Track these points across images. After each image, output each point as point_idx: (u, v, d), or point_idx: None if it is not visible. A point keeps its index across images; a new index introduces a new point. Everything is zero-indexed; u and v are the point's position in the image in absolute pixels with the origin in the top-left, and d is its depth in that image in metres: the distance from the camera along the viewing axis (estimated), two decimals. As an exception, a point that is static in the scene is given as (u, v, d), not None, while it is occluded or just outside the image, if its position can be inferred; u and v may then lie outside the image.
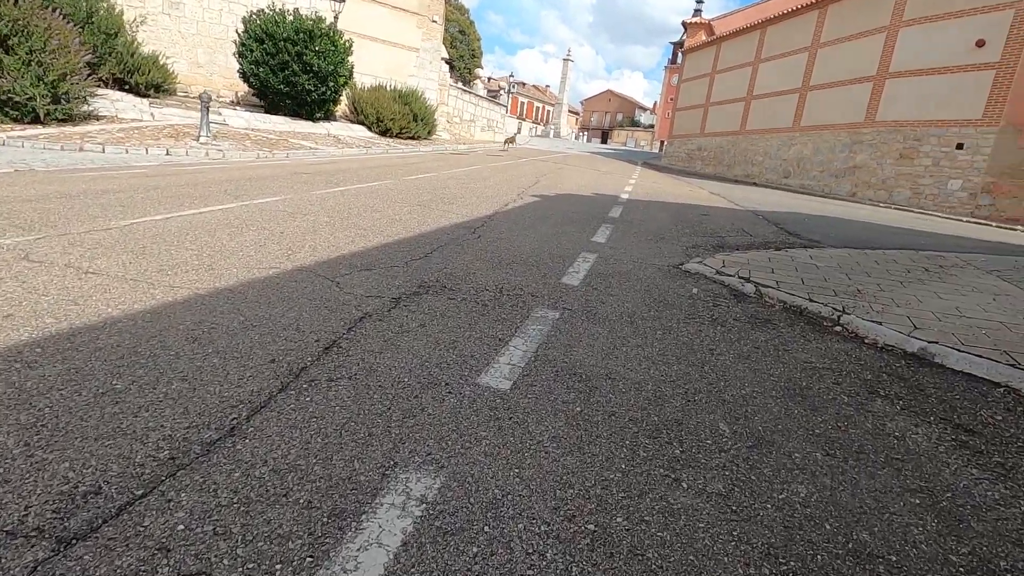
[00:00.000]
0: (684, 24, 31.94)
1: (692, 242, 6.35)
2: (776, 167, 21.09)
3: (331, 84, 16.34)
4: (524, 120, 79.82)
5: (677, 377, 2.65)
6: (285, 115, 16.32)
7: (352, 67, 17.24)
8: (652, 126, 71.85)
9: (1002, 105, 12.93)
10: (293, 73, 15.32)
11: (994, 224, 12.43)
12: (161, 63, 14.35)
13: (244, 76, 15.66)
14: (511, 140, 26.61)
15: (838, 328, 3.79)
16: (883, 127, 15.88)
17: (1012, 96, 12.72)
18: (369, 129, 18.92)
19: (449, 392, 2.25)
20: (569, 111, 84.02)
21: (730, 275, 4.74)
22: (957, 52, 13.91)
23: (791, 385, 2.72)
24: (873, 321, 3.78)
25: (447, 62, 26.97)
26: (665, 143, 36.09)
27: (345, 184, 7.97)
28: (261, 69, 15.16)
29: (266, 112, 16.25)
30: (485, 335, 2.89)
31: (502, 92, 33.68)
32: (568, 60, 70.72)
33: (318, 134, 16.08)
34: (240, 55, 15.29)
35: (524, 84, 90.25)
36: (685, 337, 3.22)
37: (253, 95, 16.59)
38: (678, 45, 49.75)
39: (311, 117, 16.83)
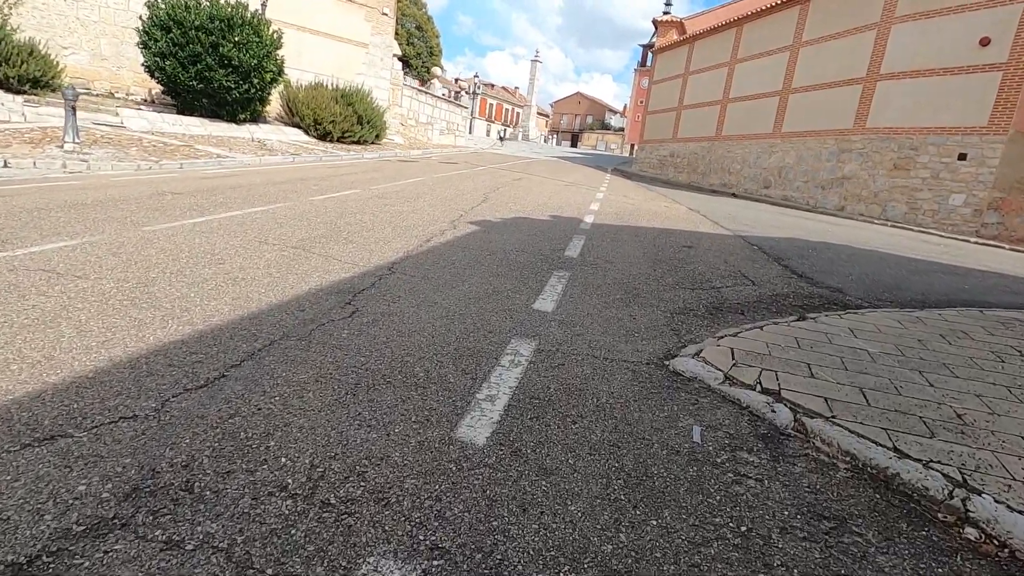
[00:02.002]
0: (655, 22, 30.49)
1: (678, 301, 4.54)
2: (755, 176, 19.62)
3: (256, 81, 14.17)
4: (493, 122, 78.00)
5: None
6: (202, 116, 14.10)
7: (283, 61, 15.10)
8: (622, 129, 70.82)
9: (1011, 111, 11.55)
10: (207, 67, 13.13)
11: (1007, 247, 11.01)
12: (42, 52, 12.01)
13: (149, 70, 13.41)
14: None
15: (970, 533, 2.01)
16: (875, 134, 14.44)
17: (1022, 101, 11.34)
18: (306, 133, 16.78)
19: None
20: (539, 113, 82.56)
21: (748, 384, 2.93)
22: (958, 52, 12.52)
23: None
24: (1031, 515, 2.01)
25: (401, 59, 24.91)
26: (636, 147, 34.67)
27: (218, 210, 5.96)
28: (168, 62, 12.94)
29: (179, 113, 14.01)
30: None
31: (463, 93, 31.68)
32: (536, 61, 69.19)
33: (240, 139, 13.93)
34: (143, 45, 13.04)
35: (493, 86, 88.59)
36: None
37: (164, 93, 14.34)
38: (647, 47, 48.61)
39: (234, 119, 14.63)
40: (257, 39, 13.96)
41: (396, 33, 24.60)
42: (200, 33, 12.91)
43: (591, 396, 2.68)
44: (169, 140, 11.71)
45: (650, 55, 33.95)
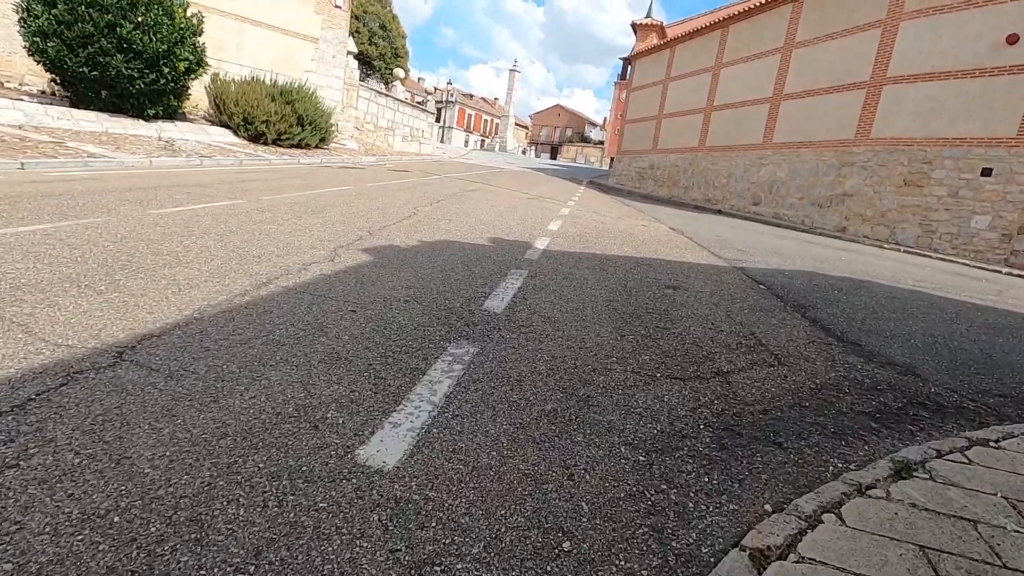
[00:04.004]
0: (634, 25, 28.91)
1: (660, 411, 2.52)
2: (743, 191, 17.88)
3: (167, 70, 12.00)
4: (471, 132, 76.27)
5: None
6: (102, 110, 11.88)
7: (203, 49, 12.97)
8: (602, 142, 69.58)
9: (1046, 119, 9.89)
10: (101, 51, 10.94)
11: (1048, 279, 9.27)
12: None
13: (30, 52, 11.18)
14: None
15: None
16: (881, 145, 12.74)
17: (1060, 108, 9.69)
18: (235, 133, 14.58)
19: None
20: (518, 125, 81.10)
21: None
22: (979, 51, 10.89)
23: None
24: None
25: (361, 59, 22.84)
26: (614, 159, 32.97)
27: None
28: (51, 43, 10.73)
29: (72, 105, 11.77)
30: None
31: (429, 99, 29.61)
32: (515, 71, 67.66)
33: (142, 138, 11.71)
34: (22, 22, 10.83)
35: (472, 96, 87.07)
36: None
37: (52, 81, 12.10)
38: (627, 60, 47.24)
39: (141, 114, 12.41)
40: (168, 21, 11.83)
41: (356, 31, 22.60)
42: (92, 10, 10.73)
43: None
44: (37, 136, 9.50)
45: (630, 66, 32.35)
